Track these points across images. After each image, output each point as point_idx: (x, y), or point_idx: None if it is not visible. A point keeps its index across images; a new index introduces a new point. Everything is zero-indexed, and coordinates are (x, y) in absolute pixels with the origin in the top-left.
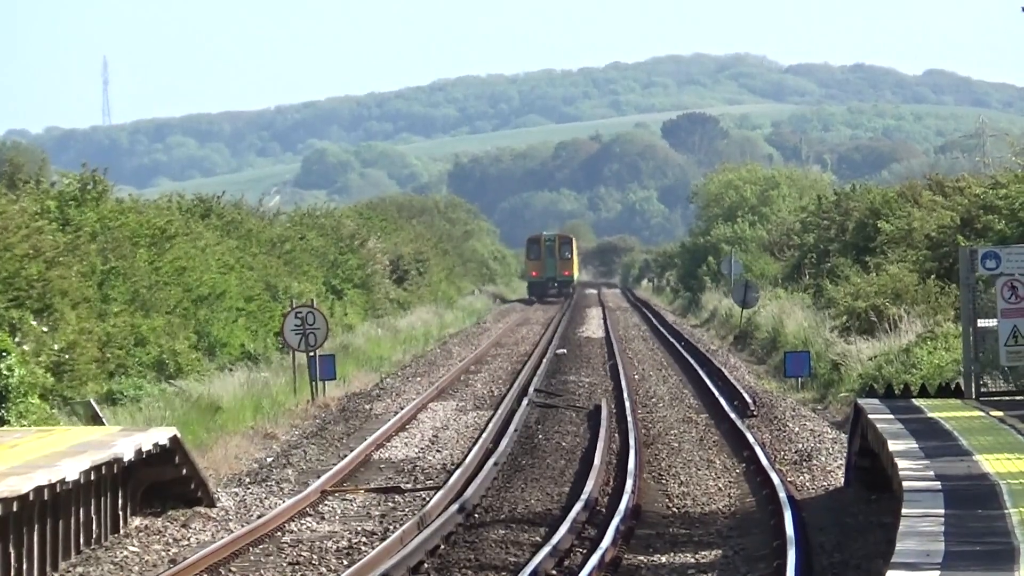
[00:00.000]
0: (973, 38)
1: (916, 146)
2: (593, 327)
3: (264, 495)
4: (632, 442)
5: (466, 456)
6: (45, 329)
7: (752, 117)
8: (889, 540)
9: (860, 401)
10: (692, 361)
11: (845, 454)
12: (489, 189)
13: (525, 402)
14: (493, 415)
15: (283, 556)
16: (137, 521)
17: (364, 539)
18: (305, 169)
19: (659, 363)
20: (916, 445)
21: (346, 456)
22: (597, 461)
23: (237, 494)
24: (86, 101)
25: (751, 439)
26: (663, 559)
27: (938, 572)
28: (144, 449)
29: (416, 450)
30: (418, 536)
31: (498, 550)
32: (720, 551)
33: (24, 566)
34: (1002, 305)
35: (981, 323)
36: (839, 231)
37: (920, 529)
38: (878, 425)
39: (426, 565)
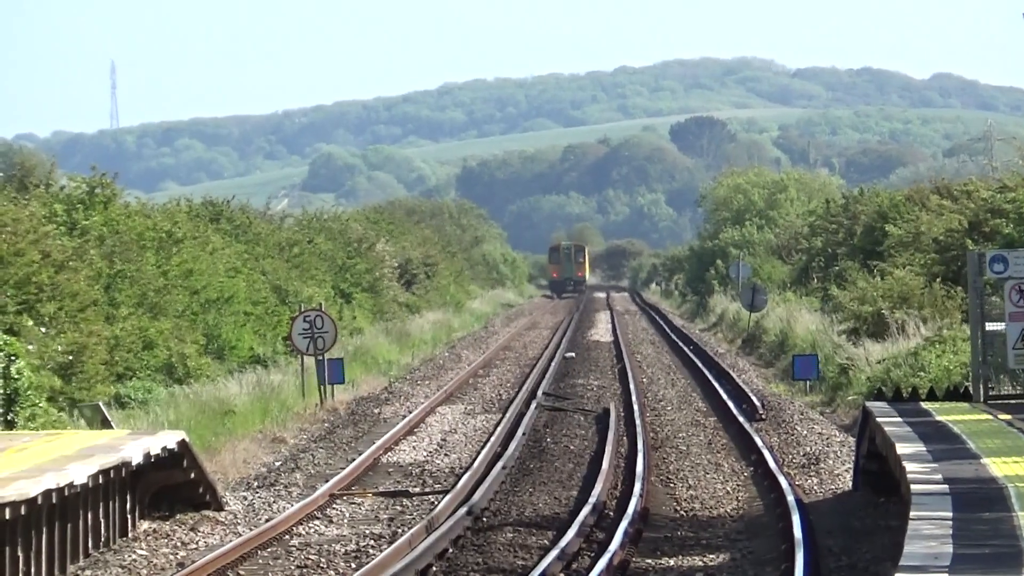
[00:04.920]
0: (980, 42)
1: (923, 150)
2: (602, 331)
3: (272, 499)
4: (640, 445)
5: (474, 460)
6: (44, 330)
7: (759, 121)
8: (897, 543)
9: (868, 404)
10: (700, 364)
11: (853, 457)
12: (497, 193)
13: (533, 406)
14: (502, 419)
15: (291, 559)
16: (145, 525)
17: (372, 542)
18: (312, 173)
19: (667, 367)
20: (924, 448)
21: (354, 460)
22: (605, 464)
23: (245, 498)
24: (94, 105)
25: (759, 442)
26: (671, 562)
27: (946, 575)
28: (152, 453)
29: (424, 454)
30: (426, 539)
31: (506, 553)
32: (728, 554)
33: (32, 569)
34: (1010, 308)
35: (989, 326)
36: (847, 235)
37: (928, 532)
38: (886, 428)
39: (434, 569)
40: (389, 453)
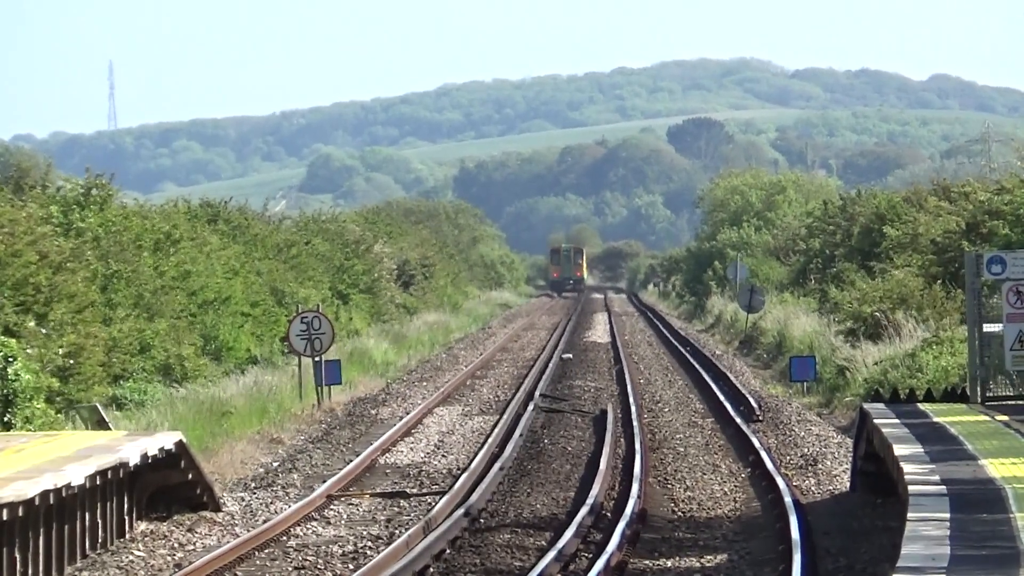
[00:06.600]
0: (978, 43)
1: (921, 151)
2: (599, 332)
3: (270, 500)
4: (638, 446)
5: (472, 461)
6: (44, 331)
7: (757, 122)
8: (895, 544)
9: (866, 406)
10: (697, 366)
11: (851, 458)
12: (495, 194)
13: (531, 407)
14: (499, 420)
15: (288, 560)
16: (143, 526)
17: (370, 543)
18: (310, 174)
19: (665, 368)
20: (921, 449)
21: (352, 461)
22: (603, 466)
23: (243, 499)
24: (92, 106)
25: (756, 444)
26: (669, 563)
27: None
28: (150, 454)
29: (422, 455)
30: (424, 540)
31: (504, 554)
32: (726, 555)
33: (30, 570)
34: (1007, 310)
35: (986, 327)
36: (845, 236)
37: (925, 533)
38: (884, 429)
39: (431, 570)
40: (387, 454)
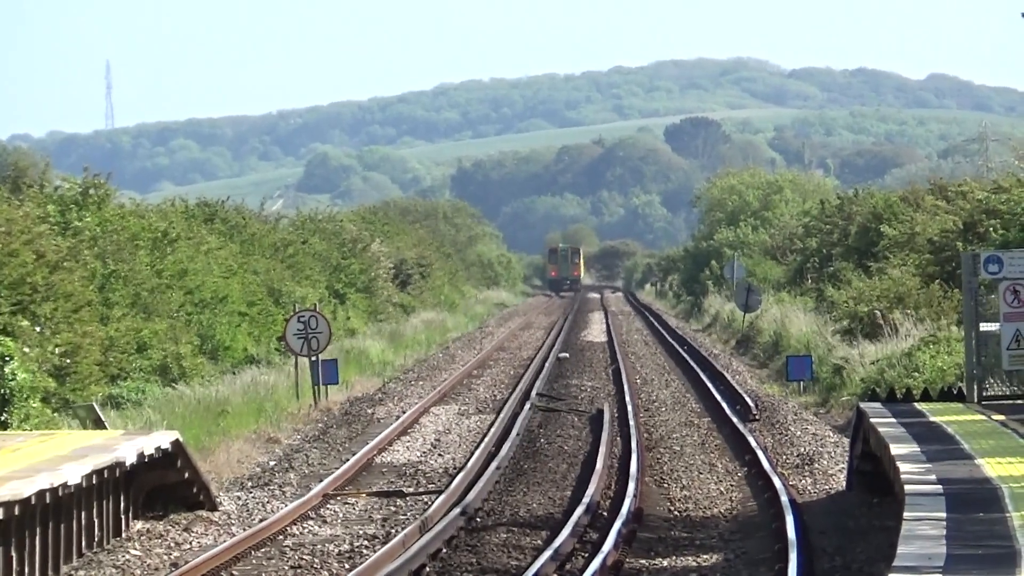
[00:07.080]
0: (975, 42)
1: (919, 150)
2: (596, 331)
3: (266, 499)
4: (634, 446)
5: (468, 460)
6: (38, 329)
7: (754, 121)
8: (891, 544)
9: (862, 405)
10: (694, 365)
11: (847, 458)
12: (492, 193)
13: (527, 406)
14: (495, 419)
15: (285, 559)
16: (139, 525)
17: (366, 543)
18: (307, 173)
19: (661, 367)
20: (918, 449)
21: (348, 460)
22: (599, 465)
23: (239, 498)
24: (89, 105)
25: (753, 443)
26: (665, 563)
27: (940, 575)
28: (146, 453)
29: (418, 454)
30: (420, 540)
31: (500, 554)
32: (722, 555)
33: (26, 569)
34: (1004, 309)
35: (983, 327)
36: (842, 235)
37: (922, 533)
38: (880, 429)
39: (428, 569)
40: (383, 453)
